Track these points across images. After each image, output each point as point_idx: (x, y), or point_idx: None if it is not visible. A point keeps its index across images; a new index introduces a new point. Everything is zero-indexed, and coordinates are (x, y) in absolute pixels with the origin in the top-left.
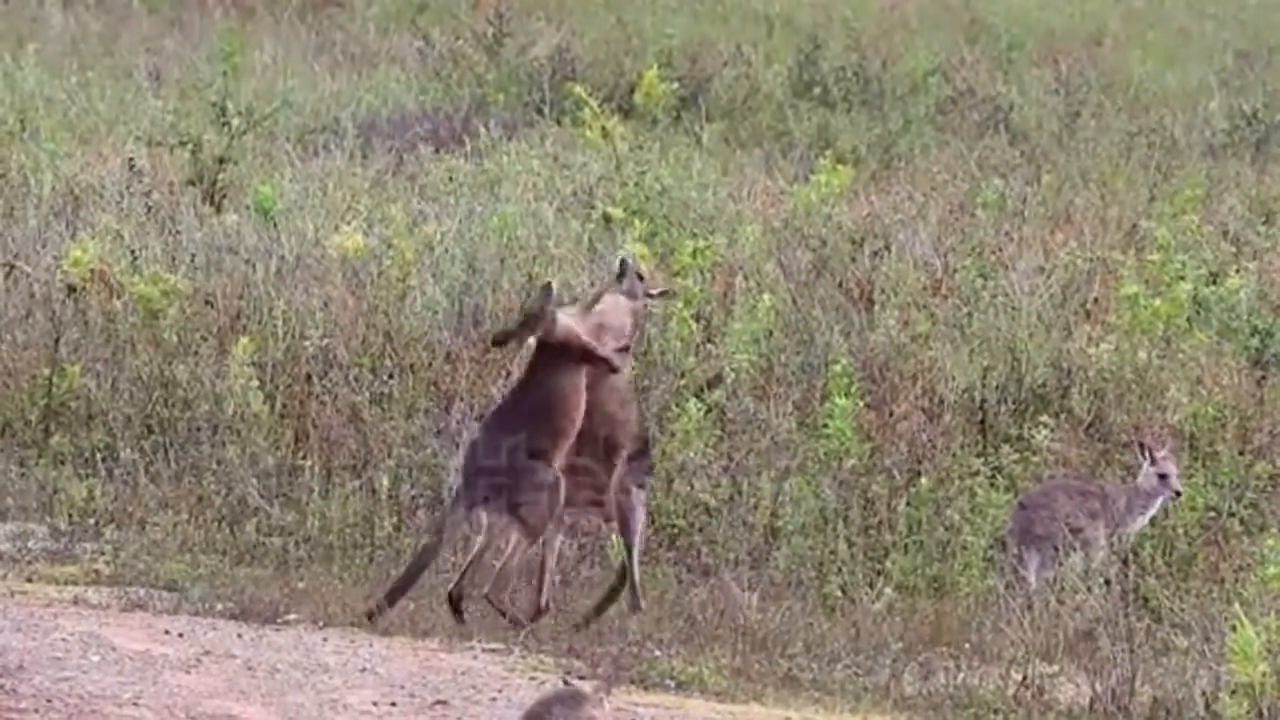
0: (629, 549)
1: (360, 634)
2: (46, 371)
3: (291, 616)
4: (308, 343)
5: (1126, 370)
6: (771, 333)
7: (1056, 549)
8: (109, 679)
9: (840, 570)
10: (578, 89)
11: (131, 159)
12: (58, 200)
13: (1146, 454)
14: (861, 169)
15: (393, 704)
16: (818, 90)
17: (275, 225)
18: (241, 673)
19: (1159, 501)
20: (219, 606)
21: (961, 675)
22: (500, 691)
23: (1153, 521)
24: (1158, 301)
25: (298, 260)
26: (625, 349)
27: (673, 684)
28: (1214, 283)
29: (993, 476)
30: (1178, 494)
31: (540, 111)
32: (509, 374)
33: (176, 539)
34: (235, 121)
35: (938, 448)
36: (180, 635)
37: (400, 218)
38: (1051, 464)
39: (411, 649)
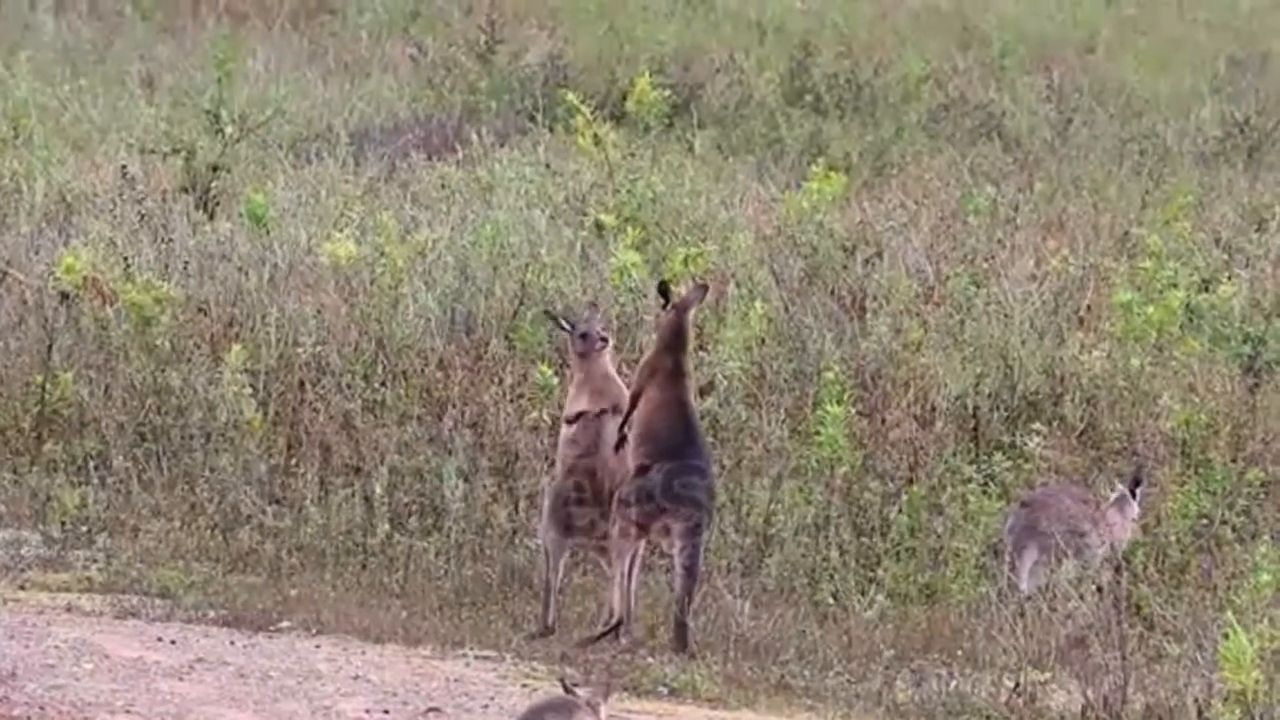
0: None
1: (353, 641)
2: (39, 379)
3: (284, 624)
4: (300, 350)
5: (1119, 377)
6: (764, 340)
7: (1055, 547)
8: (102, 686)
9: (833, 577)
10: (570, 96)
11: (124, 166)
12: (50, 207)
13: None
14: (854, 176)
15: (385, 711)
16: (810, 97)
17: (268, 233)
18: (234, 680)
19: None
20: (211, 614)
21: (954, 682)
22: (493, 699)
23: (1145, 528)
24: (1150, 309)
25: (290, 268)
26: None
27: (666, 691)
28: (1206, 290)
29: (985, 484)
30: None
31: (532, 119)
32: (501, 380)
33: (169, 546)
34: (228, 129)
35: (930, 455)
36: (173, 643)
37: (392, 225)
38: (1044, 471)
39: (404, 656)
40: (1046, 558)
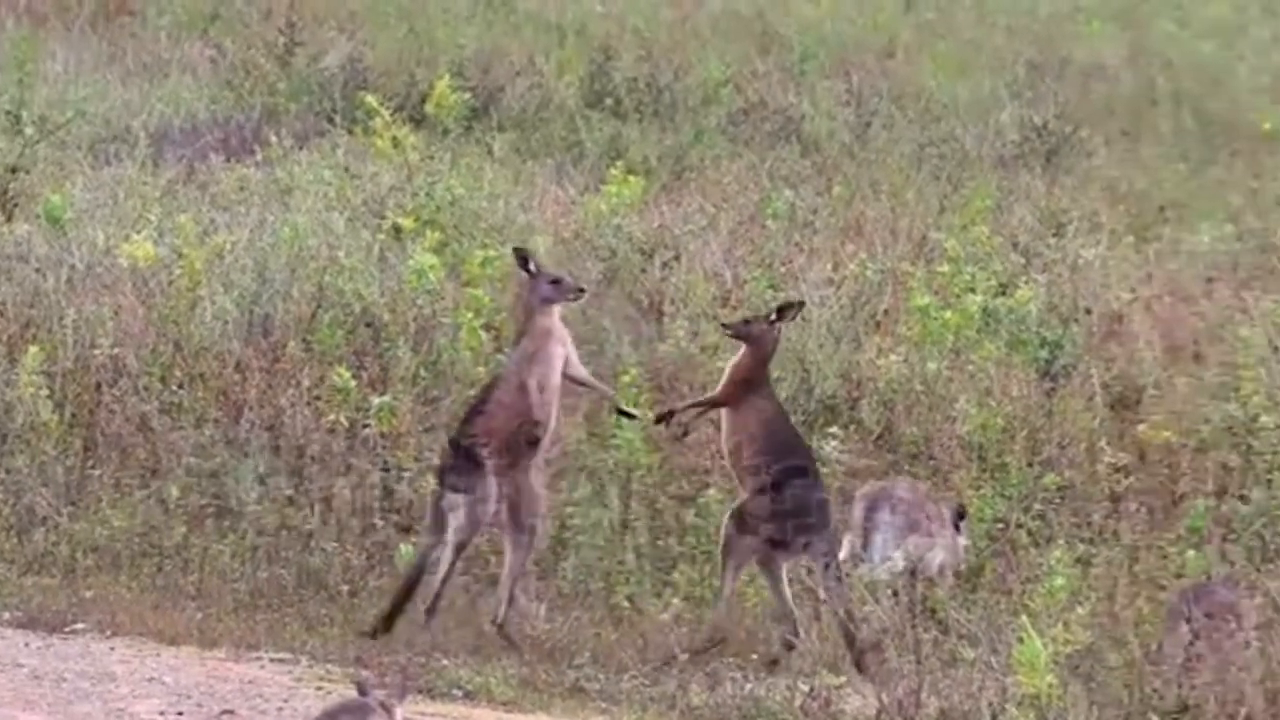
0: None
1: (148, 643)
2: None
3: (79, 625)
4: (98, 352)
5: (916, 382)
6: None
7: (908, 518)
8: None
9: (628, 581)
10: (369, 98)
11: None
12: None
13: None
14: (653, 180)
15: (180, 713)
16: (609, 101)
17: (66, 234)
18: (28, 682)
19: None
20: (6, 615)
21: (749, 686)
22: (287, 701)
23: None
24: (947, 313)
25: (88, 269)
26: None
27: (460, 693)
28: (1003, 294)
29: None
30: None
31: (331, 121)
32: (298, 383)
33: None
34: (28, 130)
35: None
36: None
37: (191, 227)
38: (841, 475)
39: (199, 658)
40: (900, 525)
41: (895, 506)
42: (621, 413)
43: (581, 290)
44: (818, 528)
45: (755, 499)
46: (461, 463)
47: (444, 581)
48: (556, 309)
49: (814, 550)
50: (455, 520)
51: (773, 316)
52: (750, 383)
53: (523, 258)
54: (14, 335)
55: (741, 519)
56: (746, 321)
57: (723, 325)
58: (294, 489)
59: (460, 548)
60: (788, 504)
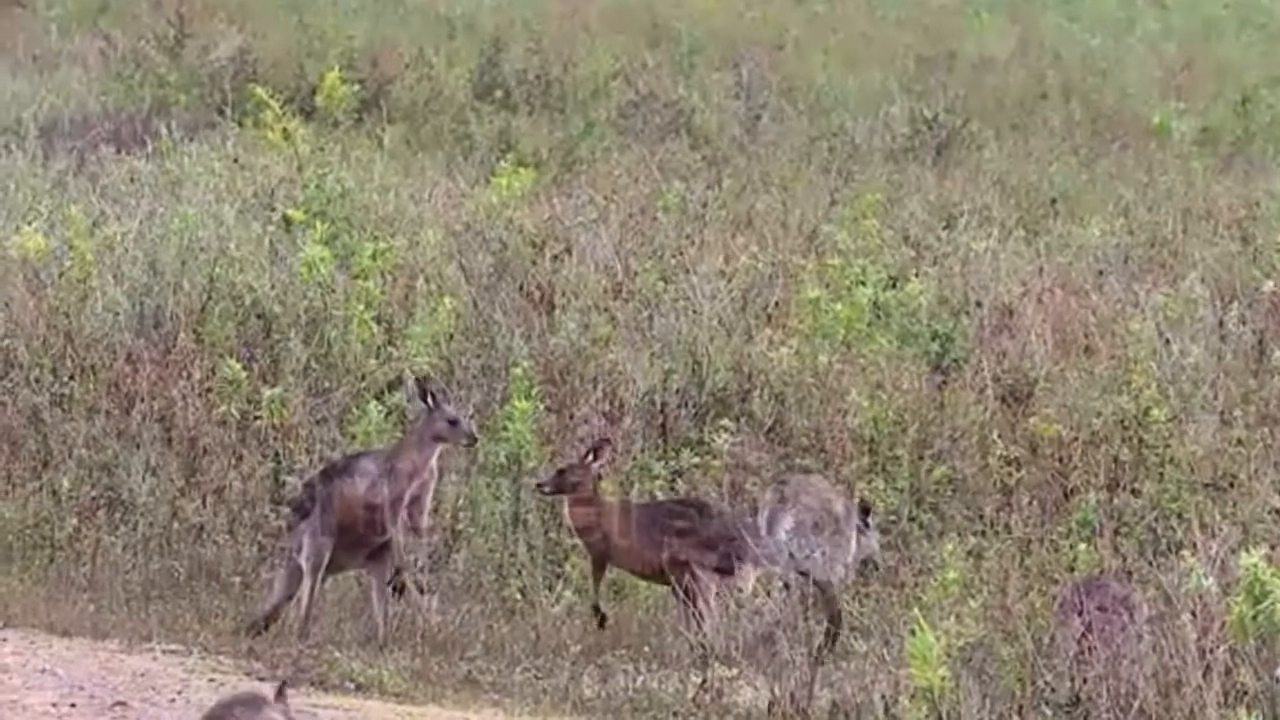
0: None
1: (40, 635)
2: None
3: None
4: None
5: (807, 374)
6: (452, 335)
7: (811, 521)
8: None
9: (520, 573)
10: (259, 90)
11: None
12: None
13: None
14: (543, 172)
15: (73, 705)
16: (499, 93)
17: None
18: None
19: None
20: None
21: (641, 678)
22: (180, 693)
23: None
24: (838, 306)
25: None
26: None
27: (353, 686)
28: (894, 287)
29: (673, 480)
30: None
31: (222, 113)
32: (189, 375)
33: None
34: None
35: (618, 451)
36: None
37: (81, 219)
38: (732, 468)
39: (92, 650)
40: (802, 526)
41: (797, 513)
42: (397, 573)
43: (474, 439)
44: (746, 545)
45: (681, 540)
46: (305, 496)
47: (309, 606)
48: (441, 448)
49: (746, 566)
50: (305, 550)
51: (589, 458)
52: (598, 513)
53: (423, 389)
54: None
55: (682, 557)
56: (560, 473)
57: (539, 488)
58: (185, 481)
59: (315, 570)
60: (725, 529)
